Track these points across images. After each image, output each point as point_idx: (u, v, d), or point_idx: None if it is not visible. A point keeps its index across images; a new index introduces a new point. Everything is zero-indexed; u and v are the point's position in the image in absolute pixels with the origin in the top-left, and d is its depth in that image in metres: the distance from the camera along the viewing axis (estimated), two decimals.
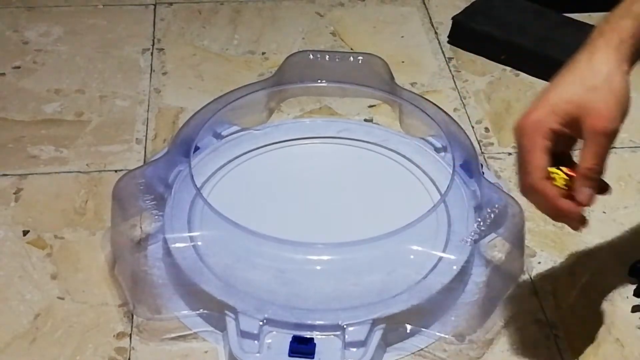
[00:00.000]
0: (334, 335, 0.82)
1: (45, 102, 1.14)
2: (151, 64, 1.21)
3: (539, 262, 0.94)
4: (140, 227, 0.93)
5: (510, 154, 1.07)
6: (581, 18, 1.27)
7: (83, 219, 0.98)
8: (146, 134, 1.09)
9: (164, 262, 0.90)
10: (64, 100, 1.14)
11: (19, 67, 1.20)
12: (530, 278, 0.92)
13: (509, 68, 1.21)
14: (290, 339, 0.82)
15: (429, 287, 0.85)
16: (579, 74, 0.74)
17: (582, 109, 0.73)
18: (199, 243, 0.89)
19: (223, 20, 1.30)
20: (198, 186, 0.92)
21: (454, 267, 0.87)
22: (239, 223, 0.85)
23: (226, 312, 0.83)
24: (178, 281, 0.88)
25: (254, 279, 0.86)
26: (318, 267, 0.87)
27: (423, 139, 1.04)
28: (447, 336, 0.85)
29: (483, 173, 0.96)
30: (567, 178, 0.74)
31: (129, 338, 0.85)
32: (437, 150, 1.02)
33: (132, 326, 0.86)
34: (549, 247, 0.96)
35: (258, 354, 0.81)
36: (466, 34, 1.25)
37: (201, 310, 0.86)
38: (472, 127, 1.11)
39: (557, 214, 0.75)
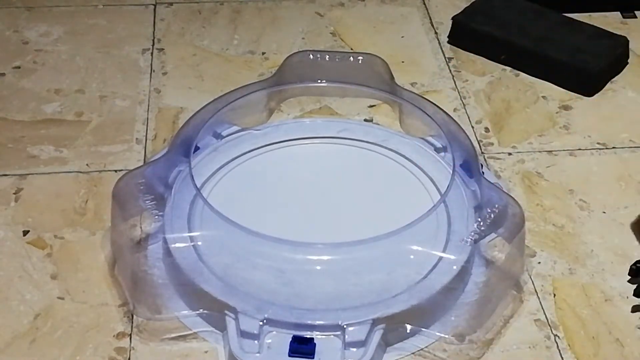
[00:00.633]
0: (334, 335, 0.82)
1: (45, 102, 1.14)
2: (151, 64, 1.21)
3: (539, 262, 0.94)
4: (140, 227, 0.93)
5: (510, 154, 1.07)
6: (581, 18, 1.27)
7: (83, 219, 0.98)
8: (146, 134, 1.09)
9: (164, 262, 0.90)
10: (64, 100, 1.14)
11: (19, 67, 1.20)
12: (530, 278, 0.92)
13: (509, 68, 1.21)
14: (290, 339, 0.82)
15: (429, 287, 0.85)
16: None
17: None
18: (199, 243, 0.89)
19: (223, 20, 1.30)
20: (198, 186, 0.92)
21: (454, 267, 0.87)
22: (239, 223, 0.85)
23: (226, 312, 0.83)
24: (178, 281, 0.88)
25: (254, 279, 0.86)
26: (318, 267, 0.87)
27: (423, 139, 1.04)
28: (447, 336, 0.85)
29: (483, 173, 0.96)
30: None
31: (129, 338, 0.85)
32: (437, 150, 1.02)
33: (132, 326, 0.86)
34: (549, 247, 0.96)
35: (258, 354, 0.81)
36: (466, 34, 1.25)
37: (201, 310, 0.86)
38: (472, 127, 1.11)
39: None
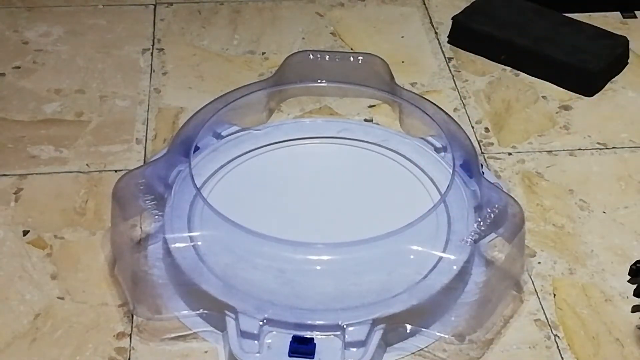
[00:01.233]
0: (334, 335, 0.82)
1: (45, 102, 1.14)
2: (151, 64, 1.21)
3: (539, 262, 0.94)
4: (140, 227, 0.93)
5: (510, 154, 1.07)
6: (581, 18, 1.27)
7: (83, 219, 0.98)
8: (146, 134, 1.09)
9: (164, 262, 0.90)
10: (64, 100, 1.14)
11: (19, 67, 1.20)
12: (531, 278, 0.92)
13: (509, 68, 1.21)
14: (290, 339, 0.82)
15: (429, 287, 0.85)
16: None
17: None
18: (199, 243, 0.89)
19: (223, 20, 1.30)
20: (198, 186, 0.92)
21: (454, 267, 0.87)
22: (239, 223, 0.85)
23: (226, 312, 0.83)
24: (178, 281, 0.88)
25: (254, 279, 0.86)
26: (318, 267, 0.87)
27: (423, 139, 1.04)
28: (447, 336, 0.85)
29: (483, 173, 0.96)
30: None
31: (129, 338, 0.85)
32: (437, 150, 1.02)
33: (132, 326, 0.86)
34: (549, 247, 0.96)
35: (258, 354, 0.81)
36: (466, 34, 1.25)
37: (201, 310, 0.86)
38: (472, 127, 1.11)
39: None
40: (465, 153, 0.97)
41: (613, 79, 1.19)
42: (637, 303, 0.89)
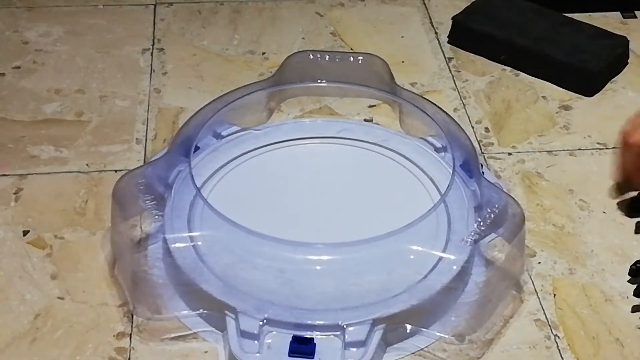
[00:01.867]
0: (334, 335, 0.82)
1: (45, 102, 1.14)
2: (151, 64, 1.21)
3: (539, 262, 0.94)
4: (140, 227, 0.93)
5: (510, 154, 1.07)
6: (581, 18, 1.27)
7: (83, 219, 0.98)
8: (146, 134, 1.09)
9: (164, 262, 0.90)
10: (64, 100, 1.14)
11: (19, 67, 1.20)
12: (531, 278, 0.92)
13: (509, 68, 1.21)
14: (290, 339, 0.82)
15: (429, 287, 0.85)
16: None
17: None
18: (199, 243, 0.89)
19: (223, 20, 1.30)
20: (198, 186, 0.92)
21: (454, 267, 0.87)
22: (239, 223, 0.85)
23: (226, 312, 0.83)
24: (178, 281, 0.88)
25: (254, 279, 0.86)
26: (318, 267, 0.87)
27: (423, 139, 1.04)
28: (447, 336, 0.85)
29: (483, 173, 0.96)
30: None
31: (129, 338, 0.85)
32: (437, 150, 1.02)
33: (132, 326, 0.86)
34: (549, 247, 0.96)
35: (258, 354, 0.81)
36: (466, 34, 1.25)
37: (201, 310, 0.86)
38: (472, 127, 1.11)
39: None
40: (465, 153, 0.97)
41: (613, 79, 1.19)
42: (637, 303, 0.89)
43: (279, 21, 1.30)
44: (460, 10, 1.27)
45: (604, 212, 1.00)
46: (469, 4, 1.29)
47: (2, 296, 0.89)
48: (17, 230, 0.96)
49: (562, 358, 0.85)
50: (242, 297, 0.84)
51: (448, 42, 1.26)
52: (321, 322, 0.83)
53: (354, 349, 0.81)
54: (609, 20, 1.30)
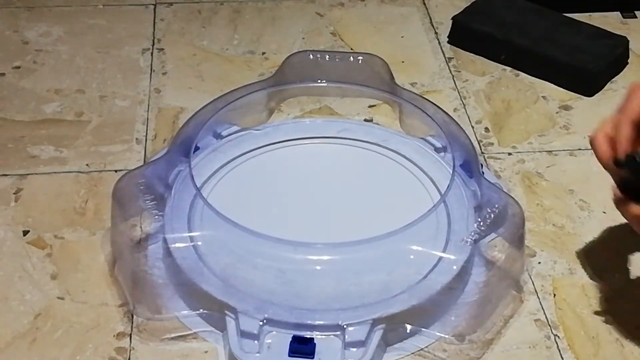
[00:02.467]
0: (334, 335, 0.82)
1: (45, 102, 1.14)
2: (151, 64, 1.21)
3: (539, 262, 0.94)
4: (140, 227, 0.93)
5: (510, 154, 1.07)
6: (581, 18, 1.27)
7: (83, 219, 0.98)
8: (146, 134, 1.09)
9: (164, 262, 0.90)
10: (64, 100, 1.14)
11: (19, 67, 1.20)
12: (531, 278, 0.92)
13: (509, 68, 1.21)
14: (290, 339, 0.82)
15: (429, 287, 0.85)
16: None
17: None
18: (199, 243, 0.89)
19: (223, 20, 1.30)
20: (198, 186, 0.92)
21: (454, 267, 0.87)
22: (239, 223, 0.85)
23: (226, 312, 0.83)
24: (178, 281, 0.88)
25: (254, 279, 0.86)
26: (318, 267, 0.87)
27: (423, 139, 1.04)
28: (447, 336, 0.85)
29: (483, 173, 0.96)
30: None
31: (129, 338, 0.85)
32: (437, 150, 1.02)
33: (132, 326, 0.86)
34: (549, 247, 0.96)
35: (258, 354, 0.81)
36: (466, 34, 1.25)
37: (201, 310, 0.86)
38: (472, 127, 1.11)
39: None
40: (465, 153, 0.97)
41: (613, 79, 1.19)
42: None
43: (279, 21, 1.31)
44: (460, 10, 1.27)
45: (604, 212, 1.00)
46: (469, 4, 1.29)
47: (2, 296, 0.89)
48: (17, 230, 0.96)
49: (562, 358, 0.85)
50: (242, 297, 0.84)
51: (448, 42, 1.26)
52: (321, 322, 0.83)
53: (354, 349, 0.81)
54: (609, 20, 1.30)
